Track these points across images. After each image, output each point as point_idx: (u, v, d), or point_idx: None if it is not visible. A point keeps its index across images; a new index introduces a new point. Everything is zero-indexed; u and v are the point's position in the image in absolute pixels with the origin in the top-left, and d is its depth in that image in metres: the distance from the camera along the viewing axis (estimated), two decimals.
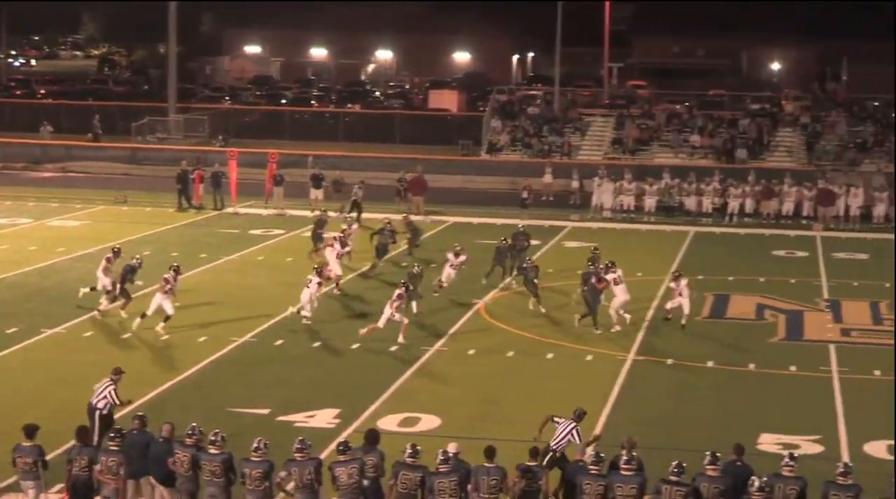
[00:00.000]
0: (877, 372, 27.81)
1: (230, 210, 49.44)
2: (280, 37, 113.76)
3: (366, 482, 17.50)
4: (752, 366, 28.18)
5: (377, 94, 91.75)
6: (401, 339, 29.03)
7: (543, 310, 32.38)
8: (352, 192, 47.45)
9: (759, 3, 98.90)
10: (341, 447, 17.71)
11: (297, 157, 57.44)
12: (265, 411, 23.67)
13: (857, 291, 36.29)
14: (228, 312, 31.99)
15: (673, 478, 17.13)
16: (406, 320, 29.31)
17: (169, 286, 29.40)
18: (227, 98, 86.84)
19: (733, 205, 50.18)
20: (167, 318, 29.29)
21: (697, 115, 63.57)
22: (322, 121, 74.72)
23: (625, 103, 67.65)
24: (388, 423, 23.16)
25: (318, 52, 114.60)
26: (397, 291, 29.39)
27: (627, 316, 30.87)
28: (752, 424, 23.44)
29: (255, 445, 17.46)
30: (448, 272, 34.20)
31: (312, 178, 50.07)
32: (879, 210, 49.92)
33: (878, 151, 58.88)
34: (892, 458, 21.96)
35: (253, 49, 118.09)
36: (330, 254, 35.00)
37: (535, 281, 32.74)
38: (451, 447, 18.00)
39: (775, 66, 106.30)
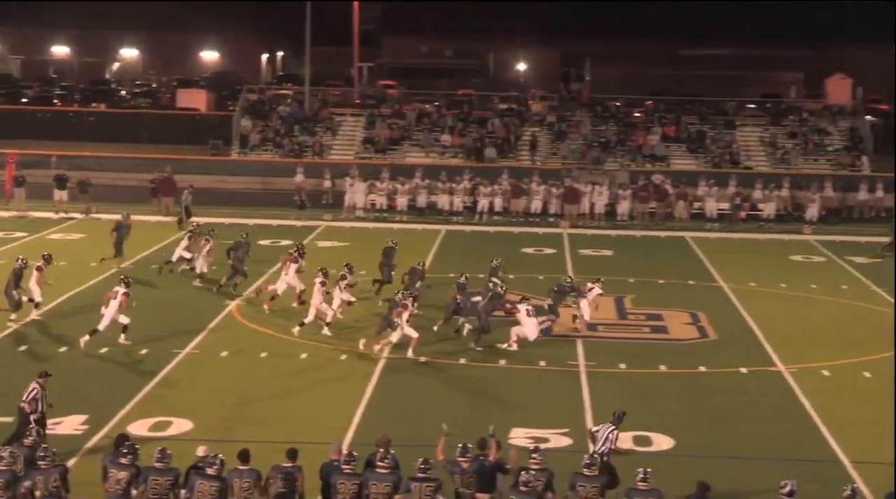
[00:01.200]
0: (622, 365, 28.59)
1: None
2: (18, 34, 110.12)
3: None
4: (502, 362, 28.62)
5: (123, 92, 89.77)
6: (410, 354, 28.36)
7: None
8: (182, 197, 46.41)
9: (505, 4, 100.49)
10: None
11: (40, 157, 55.79)
12: (9, 419, 22.88)
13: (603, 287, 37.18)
14: None
15: (420, 475, 17.28)
16: (417, 335, 28.45)
17: None
18: None
19: (483, 203, 50.96)
20: None
21: (447, 115, 64.22)
22: (66, 120, 72.53)
23: (375, 103, 67.77)
24: (139, 428, 22.68)
25: (60, 50, 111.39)
26: (404, 303, 28.69)
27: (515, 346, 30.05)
28: (504, 419, 23.80)
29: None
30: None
31: (56, 179, 48.73)
32: (623, 207, 51.40)
33: (620, 150, 60.52)
34: (637, 448, 22.63)
35: None
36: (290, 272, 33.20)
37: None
38: (201, 450, 17.79)
39: (521, 66, 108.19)
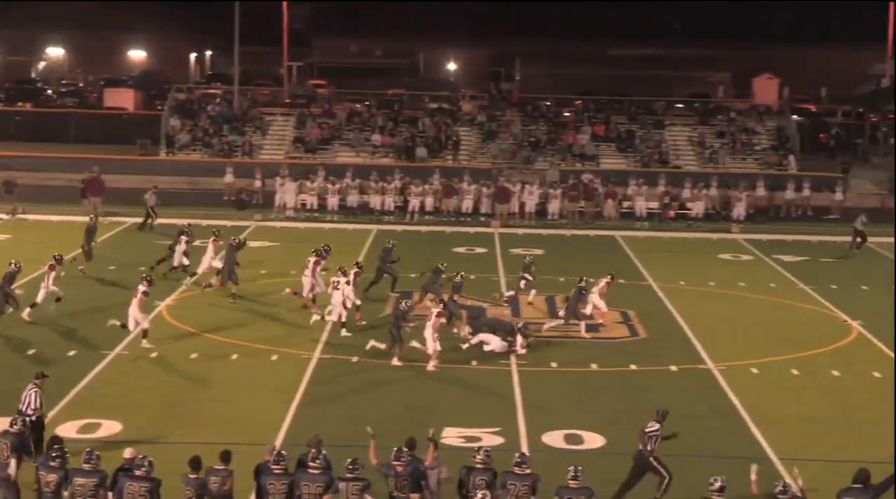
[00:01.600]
0: (553, 364, 28.67)
1: None
2: None
3: None
4: (435, 360, 28.58)
5: (49, 92, 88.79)
6: (431, 366, 27.99)
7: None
8: (145, 197, 45.98)
9: (434, 4, 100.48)
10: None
11: None
12: None
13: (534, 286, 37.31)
14: None
15: (349, 475, 17.25)
16: (439, 348, 28.10)
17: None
18: None
19: (414, 203, 50.95)
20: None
21: (377, 115, 64.13)
22: None
23: (305, 102, 67.52)
24: (68, 430, 22.41)
25: None
26: (436, 310, 28.45)
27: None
28: (437, 418, 23.77)
29: None
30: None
31: None
32: (554, 207, 51.56)
33: (550, 149, 60.75)
34: (568, 447, 22.73)
35: None
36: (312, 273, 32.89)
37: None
38: (128, 452, 17.69)
39: (451, 66, 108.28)
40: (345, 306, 30.64)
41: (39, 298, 31.11)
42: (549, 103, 68.46)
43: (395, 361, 28.10)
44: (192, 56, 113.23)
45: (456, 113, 65.11)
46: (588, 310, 31.94)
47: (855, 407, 26.26)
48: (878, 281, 39.97)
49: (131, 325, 28.78)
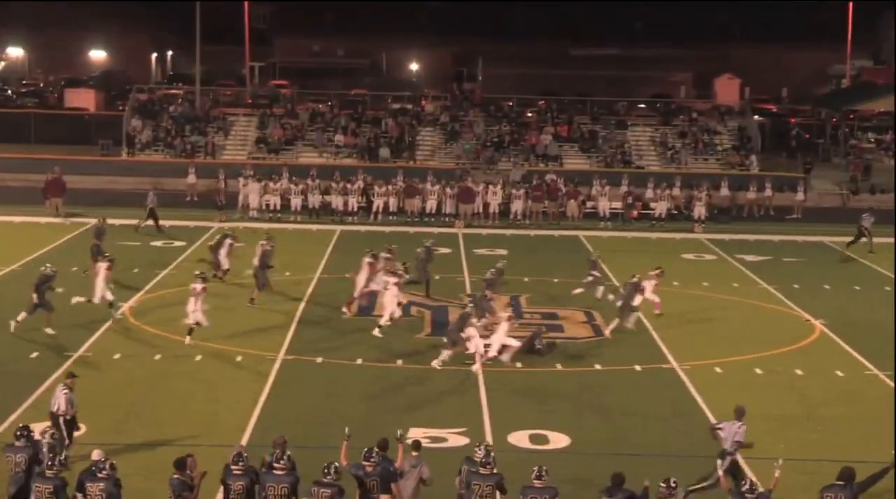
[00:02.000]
0: (518, 364, 28.68)
1: None
2: None
3: None
4: (399, 362, 28.58)
5: (9, 92, 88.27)
6: (477, 367, 27.96)
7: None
8: (147, 200, 45.73)
9: (396, 4, 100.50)
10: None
11: None
12: None
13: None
14: None
15: (325, 480, 17.19)
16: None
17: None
18: None
19: (378, 203, 50.88)
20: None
21: (340, 115, 64.05)
22: None
23: (267, 103, 67.42)
24: None
25: None
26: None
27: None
28: (402, 419, 23.76)
29: None
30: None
31: None
32: (517, 207, 51.56)
33: (513, 150, 60.84)
34: (534, 447, 22.77)
35: None
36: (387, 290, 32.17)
37: None
38: (95, 454, 17.62)
39: (414, 66, 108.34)
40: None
41: (109, 296, 31.27)
42: (511, 103, 68.59)
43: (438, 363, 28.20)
44: (154, 56, 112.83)
45: (419, 113, 65.11)
46: (637, 302, 32.45)
47: (818, 405, 26.41)
48: (839, 280, 40.22)
49: (199, 321, 29.36)
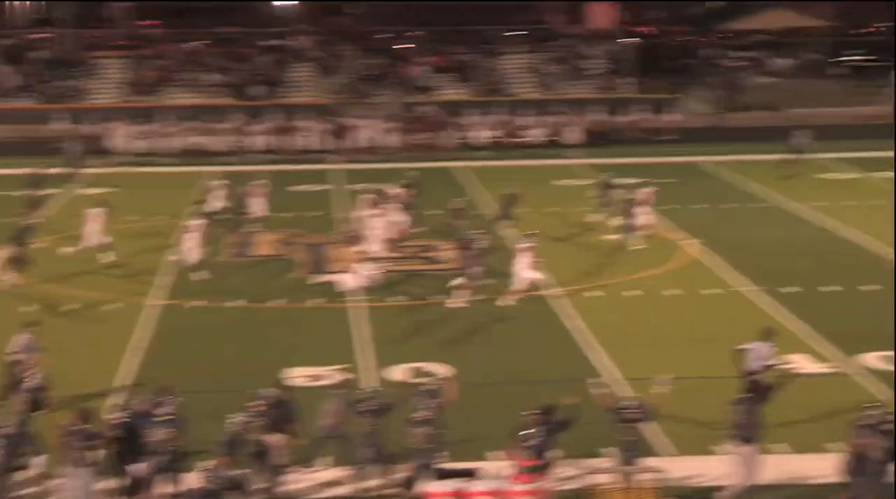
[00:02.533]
0: (400, 297, 28.73)
1: None
2: None
3: None
4: (279, 301, 28.49)
5: None
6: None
7: None
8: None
9: None
10: None
11: None
12: None
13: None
14: None
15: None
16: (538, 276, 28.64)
17: None
18: None
19: (252, 142, 50.42)
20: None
21: (212, 54, 63.15)
22: None
23: (138, 44, 66.20)
24: None
25: None
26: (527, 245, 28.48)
27: None
28: (283, 359, 23.74)
29: None
30: None
31: None
32: (393, 139, 51.39)
33: (388, 83, 60.55)
34: (417, 381, 22.92)
35: None
36: None
37: None
38: None
39: (285, 1, 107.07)
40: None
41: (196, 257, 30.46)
42: (384, 36, 68.10)
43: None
44: None
45: (291, 49, 64.43)
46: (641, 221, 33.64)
47: (692, 323, 26.85)
48: (712, 200, 40.84)
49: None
